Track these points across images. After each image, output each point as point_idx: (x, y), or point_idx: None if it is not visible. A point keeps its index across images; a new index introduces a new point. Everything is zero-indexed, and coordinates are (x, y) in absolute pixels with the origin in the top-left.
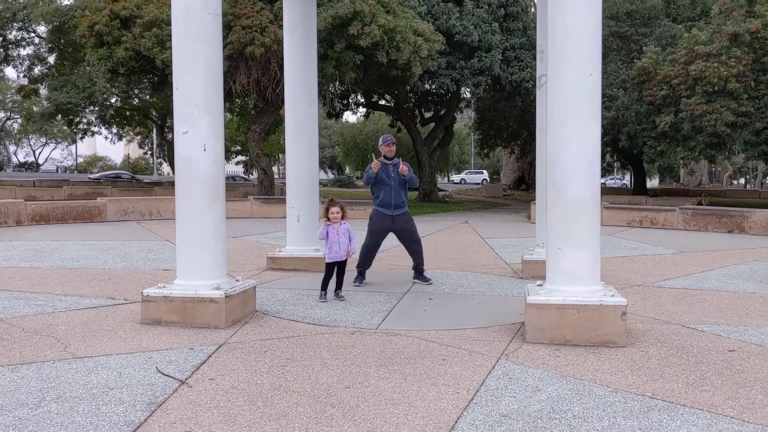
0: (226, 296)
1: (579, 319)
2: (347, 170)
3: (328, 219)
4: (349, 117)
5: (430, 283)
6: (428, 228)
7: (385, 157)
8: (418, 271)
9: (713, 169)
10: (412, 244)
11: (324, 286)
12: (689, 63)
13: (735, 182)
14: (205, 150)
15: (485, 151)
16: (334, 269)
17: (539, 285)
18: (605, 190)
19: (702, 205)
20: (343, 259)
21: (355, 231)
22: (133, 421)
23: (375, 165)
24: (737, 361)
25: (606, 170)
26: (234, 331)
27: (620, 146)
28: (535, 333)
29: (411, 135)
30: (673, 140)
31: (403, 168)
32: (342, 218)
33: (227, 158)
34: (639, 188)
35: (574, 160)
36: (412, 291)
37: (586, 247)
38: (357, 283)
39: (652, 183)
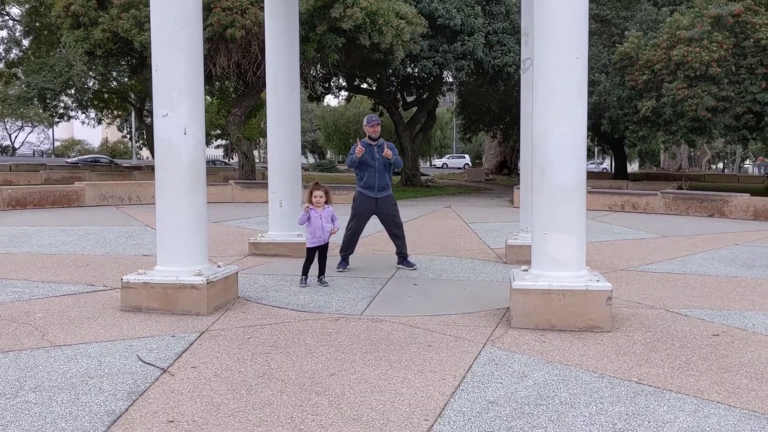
0: (208, 282)
1: (565, 304)
2: (329, 154)
3: (311, 203)
4: (330, 101)
5: (415, 269)
6: (411, 213)
7: (369, 137)
8: (402, 257)
9: (692, 153)
10: (394, 228)
11: (305, 272)
12: (671, 48)
13: (713, 167)
14: (185, 134)
15: (467, 135)
16: (316, 254)
17: (524, 270)
18: (587, 175)
19: (682, 189)
20: (325, 242)
21: (338, 216)
22: (113, 410)
23: (359, 150)
24: (722, 345)
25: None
26: (216, 317)
27: (602, 131)
28: (520, 318)
29: (393, 119)
30: (655, 125)
31: (388, 152)
32: (326, 203)
33: (207, 142)
34: (620, 173)
35: (561, 145)
36: (396, 276)
37: (573, 232)
38: (340, 269)
39: (632, 167)
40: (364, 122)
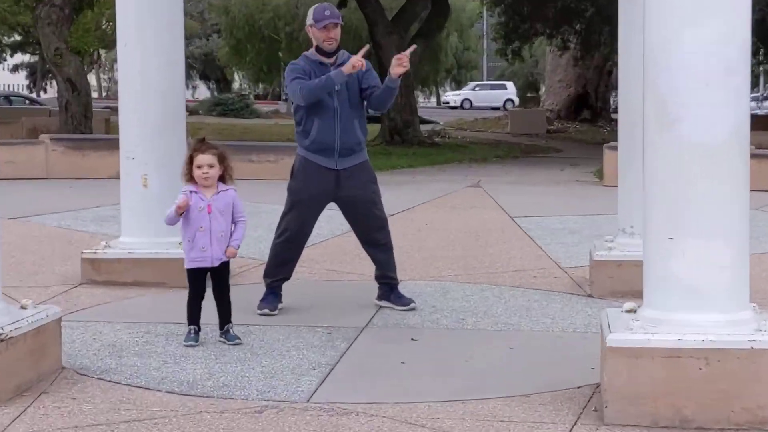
0: (2, 339)
1: (709, 376)
2: (237, 82)
3: (193, 180)
4: None
5: (412, 308)
6: (404, 196)
7: (318, 50)
8: (388, 285)
9: None
10: (375, 229)
11: (192, 317)
12: None
13: None
14: None
15: (512, 46)
16: (205, 282)
17: (629, 311)
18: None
19: None
20: (220, 261)
21: (254, 204)
22: None
23: (356, 63)
24: None
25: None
26: (20, 409)
27: None
28: (622, 406)
29: (365, 13)
30: None
31: (402, 62)
32: (222, 179)
33: None
34: None
35: (699, 62)
36: (377, 324)
37: (724, 235)
38: (267, 309)
39: None
40: (310, 19)
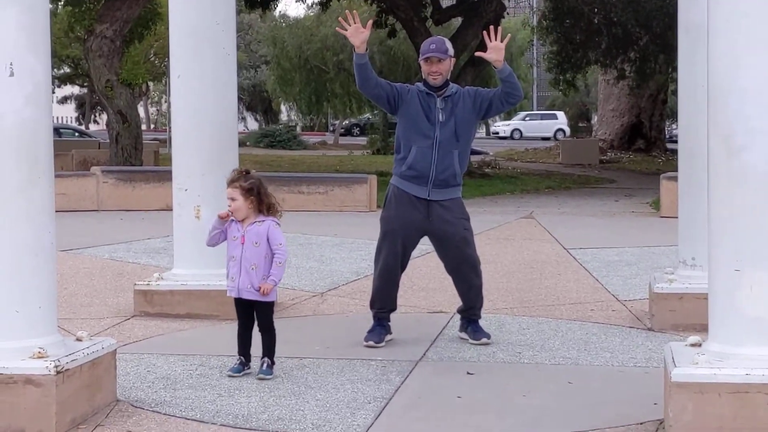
0: (59, 372)
1: None
2: (284, 113)
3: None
4: (288, 7)
5: (487, 342)
6: None
7: (425, 84)
8: (468, 319)
9: None
10: (465, 271)
11: (239, 346)
12: None
13: None
14: (12, 75)
15: (564, 76)
16: (251, 312)
17: (693, 345)
18: None
19: None
20: (252, 295)
21: (305, 236)
22: None
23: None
24: None
25: None
26: None
27: None
28: None
29: (414, 43)
30: None
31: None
32: (261, 210)
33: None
34: None
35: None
36: (432, 358)
37: None
38: (372, 341)
39: None
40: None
